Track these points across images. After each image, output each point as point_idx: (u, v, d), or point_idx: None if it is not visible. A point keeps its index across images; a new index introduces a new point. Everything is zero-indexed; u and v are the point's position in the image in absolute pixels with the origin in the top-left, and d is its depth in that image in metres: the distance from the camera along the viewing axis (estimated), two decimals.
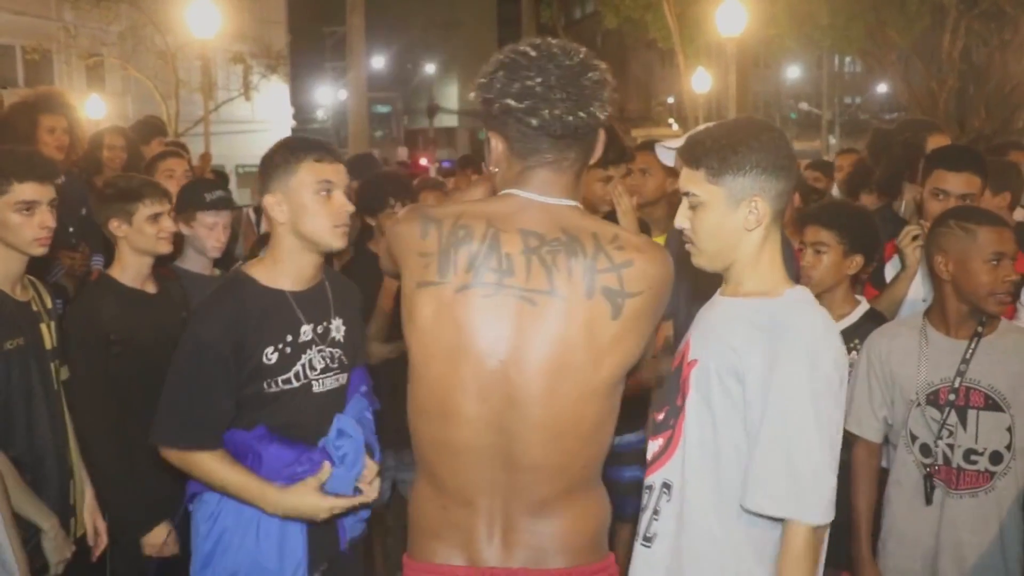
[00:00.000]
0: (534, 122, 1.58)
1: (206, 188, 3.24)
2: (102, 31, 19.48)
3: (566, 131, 1.60)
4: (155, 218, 2.77)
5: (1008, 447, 2.36)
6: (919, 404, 2.43)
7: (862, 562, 2.48)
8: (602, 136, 1.69)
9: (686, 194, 1.78)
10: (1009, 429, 2.36)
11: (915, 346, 2.46)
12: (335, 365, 2.27)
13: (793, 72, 35.20)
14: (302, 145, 2.18)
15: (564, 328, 1.59)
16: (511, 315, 1.60)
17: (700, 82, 19.01)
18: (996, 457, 2.36)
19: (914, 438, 2.45)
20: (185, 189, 3.31)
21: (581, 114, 1.59)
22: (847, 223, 2.79)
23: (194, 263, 3.19)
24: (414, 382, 1.71)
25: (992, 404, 2.37)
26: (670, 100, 34.59)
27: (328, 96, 34.97)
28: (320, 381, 2.23)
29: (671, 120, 31.70)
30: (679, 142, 3.02)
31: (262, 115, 25.81)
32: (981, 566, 2.33)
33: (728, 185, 1.71)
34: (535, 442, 1.62)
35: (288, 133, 27.23)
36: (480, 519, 1.66)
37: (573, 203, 1.68)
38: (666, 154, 3.12)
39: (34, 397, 2.42)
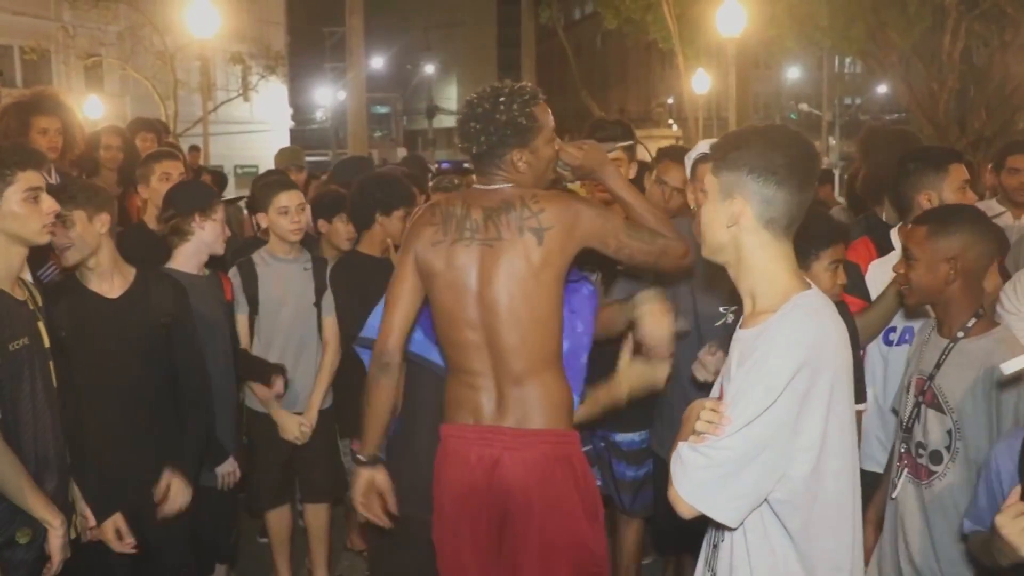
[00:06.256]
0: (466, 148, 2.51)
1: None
2: (101, 31, 19.46)
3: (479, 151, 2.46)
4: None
5: (948, 448, 2.37)
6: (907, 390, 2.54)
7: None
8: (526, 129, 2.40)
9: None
10: (949, 432, 2.36)
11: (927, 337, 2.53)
12: None
13: (793, 73, 35.18)
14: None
15: (511, 258, 2.38)
16: (479, 256, 2.41)
17: (700, 83, 19.02)
18: (936, 456, 2.39)
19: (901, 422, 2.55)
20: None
21: (482, 139, 2.41)
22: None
23: (186, 263, 3.25)
24: (433, 307, 2.50)
25: (936, 404, 2.39)
26: (670, 101, 34.62)
27: (327, 97, 34.90)
28: None
29: (671, 121, 31.72)
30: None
31: (261, 116, 25.81)
32: (921, 552, 2.39)
33: (722, 179, 1.77)
34: (505, 333, 2.38)
35: (286, 133, 27.38)
36: (482, 392, 2.42)
37: (508, 185, 2.45)
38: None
39: (37, 397, 2.43)
